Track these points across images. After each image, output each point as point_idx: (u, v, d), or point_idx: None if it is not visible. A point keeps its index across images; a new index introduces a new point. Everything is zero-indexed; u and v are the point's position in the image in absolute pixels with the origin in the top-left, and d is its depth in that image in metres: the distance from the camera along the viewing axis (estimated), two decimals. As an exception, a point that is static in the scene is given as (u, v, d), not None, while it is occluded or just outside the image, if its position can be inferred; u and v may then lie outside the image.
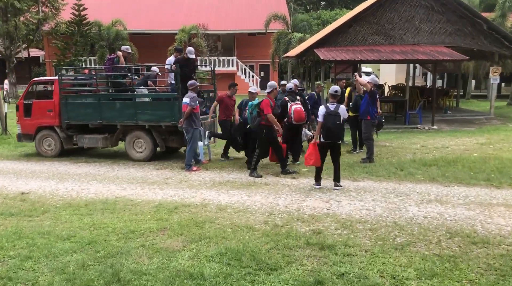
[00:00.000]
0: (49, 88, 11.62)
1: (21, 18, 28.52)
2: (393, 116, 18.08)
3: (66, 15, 29.95)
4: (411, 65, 20.88)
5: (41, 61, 40.81)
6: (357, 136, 10.84)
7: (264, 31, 30.83)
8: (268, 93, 8.92)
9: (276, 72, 35.52)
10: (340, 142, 7.84)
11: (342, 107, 7.54)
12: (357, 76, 9.09)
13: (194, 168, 9.47)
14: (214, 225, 5.84)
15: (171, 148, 11.10)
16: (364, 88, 9.24)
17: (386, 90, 22.92)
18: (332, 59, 15.39)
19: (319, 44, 17.10)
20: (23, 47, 29.53)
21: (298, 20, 29.67)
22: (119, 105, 10.61)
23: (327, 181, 7.99)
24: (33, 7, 29.51)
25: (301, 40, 26.15)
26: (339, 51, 16.29)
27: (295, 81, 10.09)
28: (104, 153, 12.01)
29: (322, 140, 7.52)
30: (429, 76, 30.65)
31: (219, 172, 9.30)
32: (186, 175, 9.03)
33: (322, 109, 7.52)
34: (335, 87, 7.84)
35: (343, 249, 4.91)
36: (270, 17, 28.82)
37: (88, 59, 30.12)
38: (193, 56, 10.59)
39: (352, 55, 15.77)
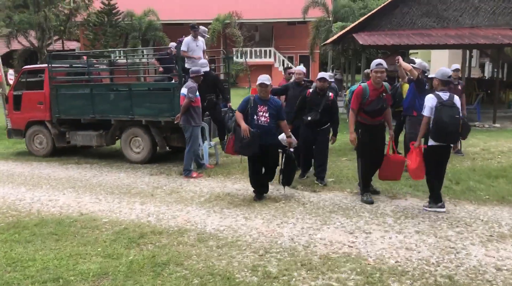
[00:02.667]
0: (42, 77, 10.19)
1: (53, 9, 27.78)
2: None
3: (98, 5, 29.07)
4: (467, 53, 18.23)
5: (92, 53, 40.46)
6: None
7: (303, 20, 28.66)
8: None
9: (316, 63, 33.27)
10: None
11: (457, 98, 5.39)
12: (400, 60, 6.92)
13: (194, 174, 7.73)
14: (179, 270, 4.03)
15: (177, 147, 9.40)
16: (411, 76, 7.07)
17: (437, 81, 20.25)
18: (373, 45, 13.18)
19: (359, 28, 14.90)
20: (54, 38, 28.82)
21: (340, 6, 27.21)
22: (113, 96, 9.02)
23: (350, 195, 6.02)
24: (65, -3, 28.84)
25: (342, 29, 23.85)
26: (382, 35, 14.04)
27: (301, 68, 7.93)
28: (102, 153, 10.50)
29: (431, 143, 5.36)
30: (487, 67, 27.44)
31: (223, 180, 7.50)
32: (181, 184, 7.30)
33: (431, 99, 5.29)
34: (445, 70, 5.47)
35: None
36: (308, 3, 26.57)
37: (118, 50, 29.13)
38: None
39: (397, 39, 13.48)
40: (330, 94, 6.74)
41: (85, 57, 10.42)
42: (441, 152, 5.39)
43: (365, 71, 10.11)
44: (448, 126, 5.10)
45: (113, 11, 26.80)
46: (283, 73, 8.99)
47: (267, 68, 31.79)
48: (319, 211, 5.62)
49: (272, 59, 32.67)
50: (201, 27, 9.22)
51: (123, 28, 28.45)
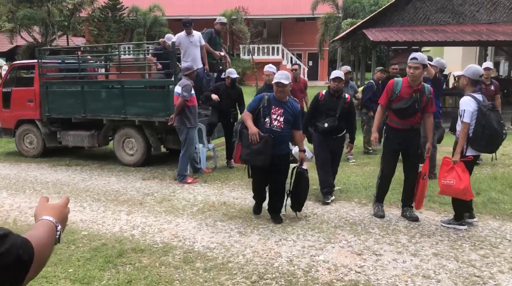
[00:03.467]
0: (32, 74, 9.67)
1: (57, 4, 27.33)
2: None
3: (103, 0, 28.58)
4: (483, 50, 17.44)
5: (87, 49, 40.10)
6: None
7: (313, 16, 27.92)
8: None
9: (325, 61, 32.56)
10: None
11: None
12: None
13: (189, 180, 7.14)
14: (156, 301, 3.45)
15: (174, 149, 8.81)
16: (426, 74, 6.40)
17: (451, 80, 19.52)
18: (384, 41, 12.49)
19: (370, 24, 14.21)
20: (58, 34, 28.39)
21: (350, 1, 26.45)
22: (105, 94, 8.46)
23: (358, 207, 5.40)
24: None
25: (352, 26, 23.10)
26: (394, 31, 13.34)
27: (270, 67, 7.37)
28: (95, 154, 9.95)
29: (470, 152, 4.66)
30: (502, 65, 26.53)
31: (220, 186, 6.90)
32: (174, 190, 6.72)
33: (470, 102, 4.54)
34: (476, 68, 4.75)
35: None
36: (317, -1, 25.87)
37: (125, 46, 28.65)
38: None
39: (410, 35, 12.78)
40: (347, 95, 5.82)
41: (79, 53, 9.86)
42: (474, 162, 4.78)
43: (377, 68, 9.43)
44: (499, 134, 4.45)
45: (117, 6, 26.26)
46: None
47: (275, 65, 31.10)
48: (323, 226, 5.00)
49: (280, 56, 31.96)
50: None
51: (127, 23, 27.91)
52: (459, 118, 4.69)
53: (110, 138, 8.99)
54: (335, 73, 5.77)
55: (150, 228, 5.12)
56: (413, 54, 4.94)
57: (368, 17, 15.09)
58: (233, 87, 7.68)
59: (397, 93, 4.96)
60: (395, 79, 5.13)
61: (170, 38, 8.79)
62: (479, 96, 4.61)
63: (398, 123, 5.03)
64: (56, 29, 27.41)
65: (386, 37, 12.65)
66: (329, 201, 5.81)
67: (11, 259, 0.99)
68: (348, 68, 9.08)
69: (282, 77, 4.84)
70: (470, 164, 4.66)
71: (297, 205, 5.22)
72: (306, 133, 5.87)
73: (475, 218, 4.99)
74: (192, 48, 8.13)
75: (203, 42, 8.39)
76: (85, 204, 6.21)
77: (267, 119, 4.87)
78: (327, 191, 5.85)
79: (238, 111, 7.89)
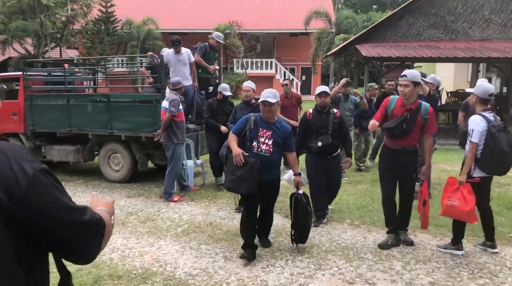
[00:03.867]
0: (17, 86, 9.40)
1: (50, 16, 27.15)
2: (453, 128, 14.73)
3: (96, 12, 28.47)
4: (475, 67, 17.43)
5: (75, 61, 39.87)
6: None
7: (306, 31, 27.93)
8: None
9: (318, 76, 32.55)
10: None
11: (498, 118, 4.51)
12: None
13: (175, 198, 6.87)
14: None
15: (162, 165, 8.54)
16: (420, 91, 6.22)
17: (444, 96, 19.46)
18: (377, 57, 12.37)
19: (363, 39, 14.13)
20: (50, 46, 28.16)
21: (343, 17, 26.53)
22: (91, 108, 8.21)
23: (358, 231, 5.15)
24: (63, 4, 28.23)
25: (345, 41, 23.10)
26: (387, 47, 13.25)
27: (249, 83, 6.57)
28: (81, 169, 9.66)
29: (478, 174, 4.42)
30: (494, 82, 26.60)
31: (207, 205, 6.63)
32: (159, 209, 6.44)
33: (479, 121, 4.31)
34: (486, 86, 4.53)
35: None
36: (311, 14, 25.91)
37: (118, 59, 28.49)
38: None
39: (403, 51, 12.69)
40: (335, 110, 5.57)
41: (66, 65, 9.61)
42: (484, 184, 4.52)
43: (369, 84, 9.25)
44: (508, 155, 4.19)
45: (111, 19, 26.14)
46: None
47: (268, 80, 31.04)
48: (313, 250, 4.75)
49: (273, 71, 31.93)
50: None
51: (120, 36, 27.76)
52: (468, 137, 4.46)
53: (96, 153, 8.71)
54: (320, 88, 5.50)
55: (131, 251, 4.84)
56: (404, 71, 4.66)
57: (361, 33, 15.03)
58: (225, 102, 7.37)
59: (390, 112, 4.72)
60: (391, 96, 4.91)
61: (165, 51, 8.59)
62: (489, 115, 4.37)
63: (391, 142, 4.79)
64: (48, 41, 27.17)
65: (379, 52, 12.55)
66: (321, 225, 5.53)
67: (95, 221, 1.28)
68: (332, 85, 8.94)
69: (269, 95, 4.30)
70: (476, 186, 4.41)
71: (301, 236, 4.68)
72: (298, 156, 5.40)
73: (496, 248, 4.71)
74: (180, 66, 7.86)
75: (192, 59, 8.09)
76: (65, 223, 5.92)
77: (254, 143, 4.35)
78: (320, 214, 5.58)
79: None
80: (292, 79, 32.93)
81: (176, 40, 7.94)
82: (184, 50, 8.01)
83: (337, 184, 5.73)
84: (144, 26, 29.14)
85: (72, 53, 39.73)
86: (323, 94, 5.43)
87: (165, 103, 6.76)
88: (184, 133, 7.02)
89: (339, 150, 5.59)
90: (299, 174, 4.65)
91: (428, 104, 4.74)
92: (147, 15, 29.66)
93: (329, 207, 6.12)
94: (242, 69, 29.98)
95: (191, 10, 33.76)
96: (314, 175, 5.52)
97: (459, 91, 19.28)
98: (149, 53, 8.55)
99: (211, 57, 8.57)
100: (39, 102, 8.67)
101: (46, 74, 9.32)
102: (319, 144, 5.28)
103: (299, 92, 28.26)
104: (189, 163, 7.62)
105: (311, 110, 5.55)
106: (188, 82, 7.86)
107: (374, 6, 58.62)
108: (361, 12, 50.65)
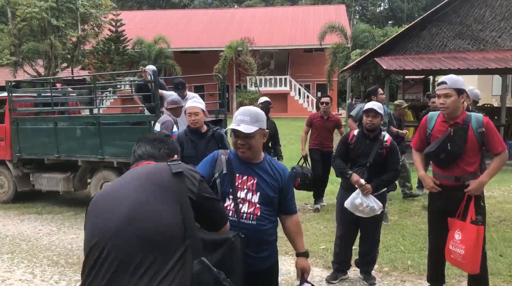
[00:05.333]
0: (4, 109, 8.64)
1: (59, 37, 26.86)
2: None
3: (107, 32, 28.17)
4: (504, 79, 16.23)
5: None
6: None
7: (321, 47, 27.11)
8: None
9: (335, 92, 31.57)
10: None
11: None
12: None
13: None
14: None
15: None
16: (466, 102, 5.06)
17: (470, 111, 18.20)
18: (399, 69, 11.36)
19: (382, 52, 13.15)
20: (61, 67, 27.84)
21: (359, 31, 25.61)
22: (80, 132, 7.36)
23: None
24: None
25: (361, 55, 22.15)
26: (409, 59, 12.24)
27: (195, 102, 4.51)
28: (75, 198, 8.78)
29: None
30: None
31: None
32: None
33: None
34: None
35: None
36: (326, 29, 25.07)
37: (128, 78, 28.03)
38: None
39: (427, 64, 11.65)
40: (386, 137, 4.16)
41: (59, 85, 8.86)
42: None
43: (396, 102, 7.90)
44: None
45: (121, 38, 25.72)
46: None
47: (283, 97, 30.24)
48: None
49: (288, 88, 31.10)
50: (148, 66, 7.33)
51: (131, 56, 27.32)
52: None
53: (89, 181, 7.85)
54: (370, 105, 4.16)
55: None
56: (443, 78, 3.55)
57: (380, 45, 14.07)
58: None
59: (430, 132, 3.65)
60: (430, 113, 3.81)
61: (151, 69, 7.52)
62: None
63: (439, 174, 3.61)
64: (59, 62, 26.84)
65: (401, 65, 11.54)
66: (335, 282, 4.34)
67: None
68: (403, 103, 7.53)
69: (244, 118, 2.39)
70: None
71: None
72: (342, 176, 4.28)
73: None
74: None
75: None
76: (37, 269, 5.00)
77: (228, 202, 2.43)
78: (337, 268, 4.39)
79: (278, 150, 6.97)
80: (308, 96, 32.02)
81: (179, 83, 6.72)
82: (191, 95, 6.72)
83: (370, 243, 4.25)
84: (156, 45, 28.75)
85: (84, 74, 39.58)
86: (371, 112, 4.08)
87: (157, 126, 5.82)
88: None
89: (384, 189, 4.22)
90: (306, 256, 2.60)
91: (481, 114, 3.63)
92: (158, 33, 29.29)
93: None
94: (255, 87, 29.22)
95: (203, 28, 33.40)
96: (341, 217, 4.28)
97: (486, 105, 18.08)
98: (142, 68, 7.62)
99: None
100: (26, 125, 7.89)
101: (35, 95, 8.55)
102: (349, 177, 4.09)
103: (314, 110, 27.32)
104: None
105: (356, 132, 4.28)
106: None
107: (390, 22, 57.83)
108: (377, 27, 49.79)
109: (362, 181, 3.91)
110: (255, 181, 2.44)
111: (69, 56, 27.71)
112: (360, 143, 4.14)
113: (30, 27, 26.40)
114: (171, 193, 1.71)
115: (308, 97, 31.19)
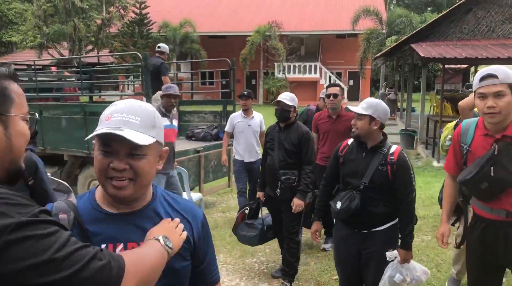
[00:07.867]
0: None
1: (84, 19, 26.38)
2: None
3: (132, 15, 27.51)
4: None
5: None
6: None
7: (354, 32, 25.56)
8: None
9: (367, 81, 30.01)
10: None
11: None
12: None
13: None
14: None
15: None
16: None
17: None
18: (439, 57, 10.00)
19: (419, 37, 11.77)
20: (86, 49, 27.42)
21: (395, 16, 23.93)
22: (65, 122, 6.50)
23: None
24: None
25: (397, 41, 20.60)
26: (450, 46, 10.85)
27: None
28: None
29: None
30: None
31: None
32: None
33: None
34: None
35: None
36: (359, 13, 23.50)
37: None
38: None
39: (471, 51, 10.25)
40: (393, 148, 2.82)
41: (54, 68, 8.05)
42: None
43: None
44: None
45: (145, 21, 24.94)
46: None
47: (312, 85, 28.94)
48: None
49: (318, 75, 29.71)
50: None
51: (156, 39, 26.56)
52: None
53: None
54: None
55: None
56: (488, 69, 2.34)
57: (417, 29, 12.68)
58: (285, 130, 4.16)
59: (468, 148, 2.49)
60: (464, 121, 2.61)
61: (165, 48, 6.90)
62: None
63: (482, 206, 2.50)
64: (83, 44, 26.40)
65: (441, 52, 10.17)
66: None
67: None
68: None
69: (130, 119, 1.23)
70: None
71: None
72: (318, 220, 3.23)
73: None
74: (249, 133, 5.65)
75: (264, 128, 5.64)
76: None
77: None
78: None
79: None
80: (338, 84, 30.13)
81: (243, 95, 5.62)
82: (256, 115, 5.76)
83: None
84: (181, 29, 27.88)
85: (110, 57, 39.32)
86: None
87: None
88: (171, 159, 5.13)
89: (389, 222, 2.88)
90: None
91: None
92: (184, 17, 28.40)
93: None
94: (282, 73, 28.01)
95: (230, 11, 32.27)
96: (338, 254, 3.11)
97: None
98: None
99: None
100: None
101: (26, 79, 7.76)
102: (338, 205, 2.84)
103: (345, 98, 25.82)
104: (184, 194, 5.72)
105: (349, 141, 3.03)
106: (254, 156, 5.64)
107: (429, 8, 55.10)
108: (415, 13, 47.40)
109: (394, 252, 2.78)
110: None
111: (93, 39, 27.25)
112: (355, 156, 2.91)
113: (55, 8, 26.01)
114: None
115: (339, 85, 29.73)
